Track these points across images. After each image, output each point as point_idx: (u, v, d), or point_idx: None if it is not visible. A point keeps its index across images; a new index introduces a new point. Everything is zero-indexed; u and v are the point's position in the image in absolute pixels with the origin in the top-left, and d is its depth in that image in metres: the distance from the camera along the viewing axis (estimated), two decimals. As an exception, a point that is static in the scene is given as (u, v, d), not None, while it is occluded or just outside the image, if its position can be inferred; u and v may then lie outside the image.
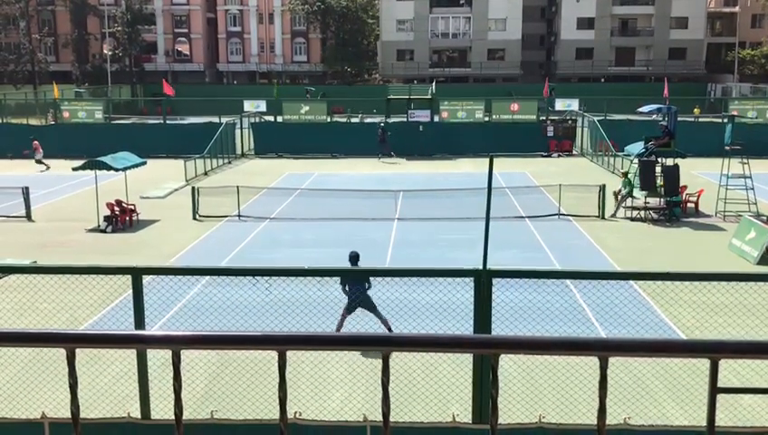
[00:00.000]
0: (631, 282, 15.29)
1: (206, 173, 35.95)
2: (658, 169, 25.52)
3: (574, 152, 42.91)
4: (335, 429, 8.11)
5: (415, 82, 72.23)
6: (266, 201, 28.08)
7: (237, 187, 26.44)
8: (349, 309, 13.91)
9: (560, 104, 54.40)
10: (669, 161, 25.89)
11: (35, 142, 38.94)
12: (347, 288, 13.87)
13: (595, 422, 1.69)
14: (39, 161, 38.40)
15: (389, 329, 13.61)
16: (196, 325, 13.28)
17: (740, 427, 8.62)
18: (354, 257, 14.41)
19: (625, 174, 26.95)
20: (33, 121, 49.85)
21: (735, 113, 38.00)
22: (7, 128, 45.24)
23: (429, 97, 46.82)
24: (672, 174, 25.03)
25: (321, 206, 26.64)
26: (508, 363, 12.11)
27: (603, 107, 46.65)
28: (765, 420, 10.33)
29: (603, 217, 25.18)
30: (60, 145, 40.88)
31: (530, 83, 72.85)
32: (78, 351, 1.70)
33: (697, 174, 31.89)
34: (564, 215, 25.47)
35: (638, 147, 27.24)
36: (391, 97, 48.17)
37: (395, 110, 46.21)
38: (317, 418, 9.13)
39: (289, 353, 1.70)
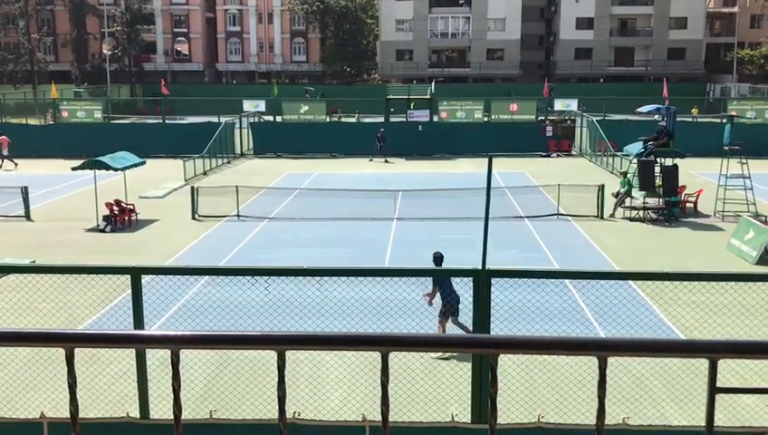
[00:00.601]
0: (630, 282, 15.29)
1: (205, 173, 35.94)
2: (657, 169, 25.53)
3: (573, 152, 42.92)
4: (334, 429, 8.11)
5: (414, 81, 72.26)
6: (265, 201, 28.07)
7: (236, 186, 26.44)
8: (453, 312, 13.31)
9: (559, 104, 54.40)
10: (668, 161, 25.90)
11: (2, 137, 38.74)
12: (441, 289, 13.21)
13: (594, 422, 1.69)
14: (6, 158, 38.19)
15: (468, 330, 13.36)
16: (195, 325, 13.28)
17: (739, 427, 8.64)
18: (439, 259, 13.97)
19: (624, 174, 26.97)
20: (32, 121, 49.83)
21: (734, 113, 38.02)
22: (6, 127, 45.18)
23: (428, 97, 46.82)
24: (671, 174, 25.04)
25: (320, 206, 26.64)
26: (507, 363, 12.10)
27: (602, 107, 46.67)
28: (764, 420, 10.34)
29: (602, 217, 25.19)
30: (59, 145, 40.90)
31: (529, 83, 72.85)
32: (77, 350, 1.70)
33: (696, 174, 31.91)
34: (563, 215, 25.48)
35: (636, 147, 27.25)
36: (390, 97, 48.16)
37: (394, 110, 46.20)
38: (316, 418, 9.13)
39: (288, 353, 1.70)
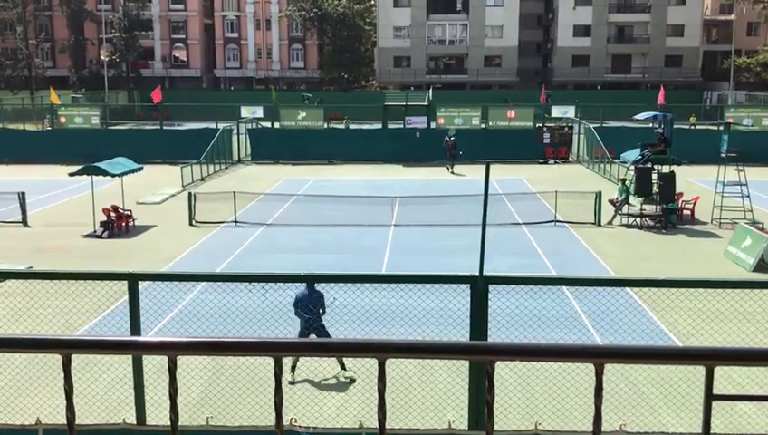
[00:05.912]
0: (627, 288, 15.29)
1: (202, 179, 35.92)
2: (655, 176, 25.57)
3: (570, 159, 42.97)
4: (331, 435, 8.09)
5: (412, 88, 72.29)
6: (263, 207, 28.06)
7: (234, 192, 26.42)
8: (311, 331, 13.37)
9: (556, 111, 54.44)
10: (665, 168, 25.93)
11: None
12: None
13: (591, 429, 1.69)
14: None
15: None
16: (192, 331, 13.27)
17: (735, 434, 8.63)
18: None
19: (623, 181, 27.01)
20: (29, 127, 49.78)
21: (731, 121, 38.09)
22: (4, 133, 45.14)
23: (426, 103, 46.85)
24: (668, 181, 25.08)
25: (317, 212, 26.63)
26: (504, 370, 12.10)
27: (599, 114, 46.71)
28: (760, 427, 10.34)
29: (599, 224, 25.21)
30: (56, 150, 40.85)
31: (526, 90, 72.94)
32: (73, 356, 1.70)
33: (693, 181, 31.95)
34: (560, 221, 25.49)
35: (633, 154, 27.29)
36: (388, 104, 48.19)
37: (392, 116, 46.24)
38: (313, 424, 9.11)
39: (285, 359, 1.70)
